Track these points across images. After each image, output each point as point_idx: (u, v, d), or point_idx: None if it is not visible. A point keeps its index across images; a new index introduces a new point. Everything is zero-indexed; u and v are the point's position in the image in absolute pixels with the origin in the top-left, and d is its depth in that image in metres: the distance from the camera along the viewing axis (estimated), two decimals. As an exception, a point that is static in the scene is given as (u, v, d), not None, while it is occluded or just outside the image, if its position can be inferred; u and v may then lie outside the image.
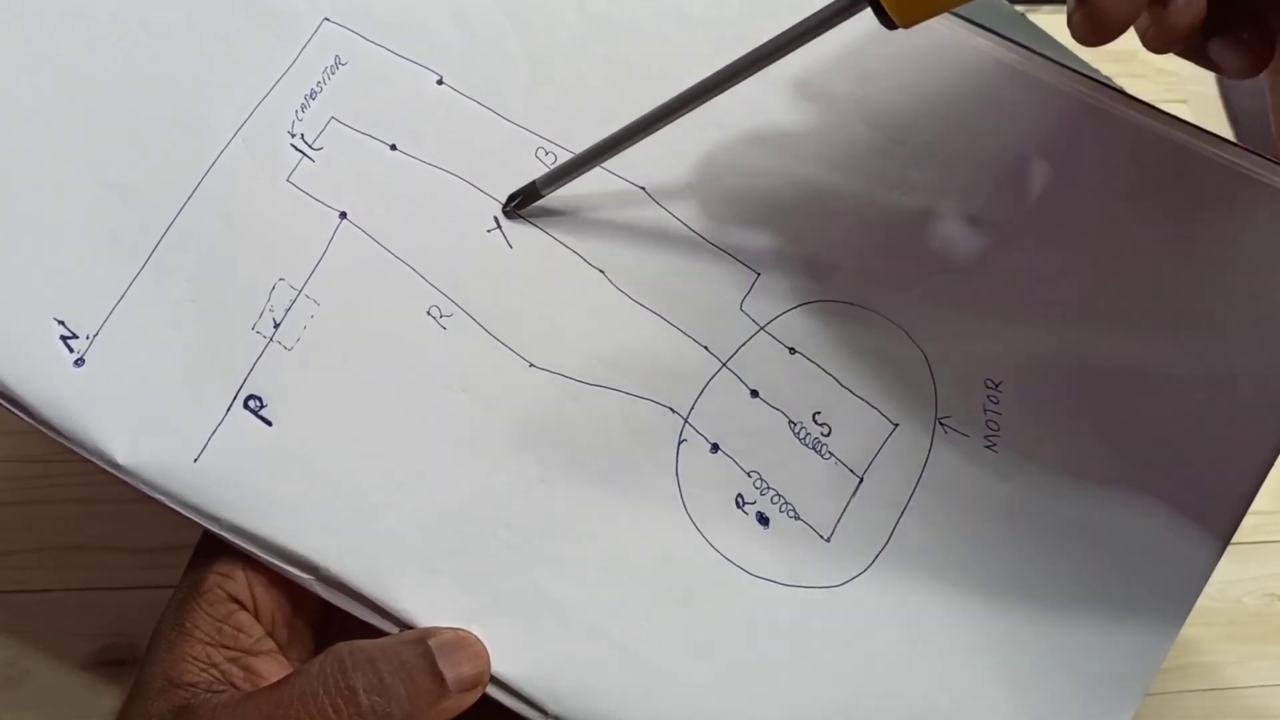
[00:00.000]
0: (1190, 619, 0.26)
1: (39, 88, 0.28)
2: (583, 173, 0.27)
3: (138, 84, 0.28)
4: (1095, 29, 0.24)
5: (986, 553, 0.27)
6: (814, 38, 0.24)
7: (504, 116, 0.29)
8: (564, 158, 0.29)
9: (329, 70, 0.29)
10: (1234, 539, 0.26)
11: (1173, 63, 0.40)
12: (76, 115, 0.27)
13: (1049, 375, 0.28)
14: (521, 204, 0.28)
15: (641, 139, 0.26)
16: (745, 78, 0.25)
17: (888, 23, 0.22)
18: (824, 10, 0.23)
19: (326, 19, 0.29)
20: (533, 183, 0.27)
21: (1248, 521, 0.27)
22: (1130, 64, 0.43)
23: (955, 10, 0.29)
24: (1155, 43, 0.25)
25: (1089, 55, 0.40)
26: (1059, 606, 0.27)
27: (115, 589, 0.35)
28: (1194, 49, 0.25)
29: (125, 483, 0.26)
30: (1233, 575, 0.36)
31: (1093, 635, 0.27)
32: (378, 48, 0.29)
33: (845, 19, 0.23)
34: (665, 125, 0.26)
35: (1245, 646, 0.35)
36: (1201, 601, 0.26)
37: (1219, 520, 0.27)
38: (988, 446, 0.27)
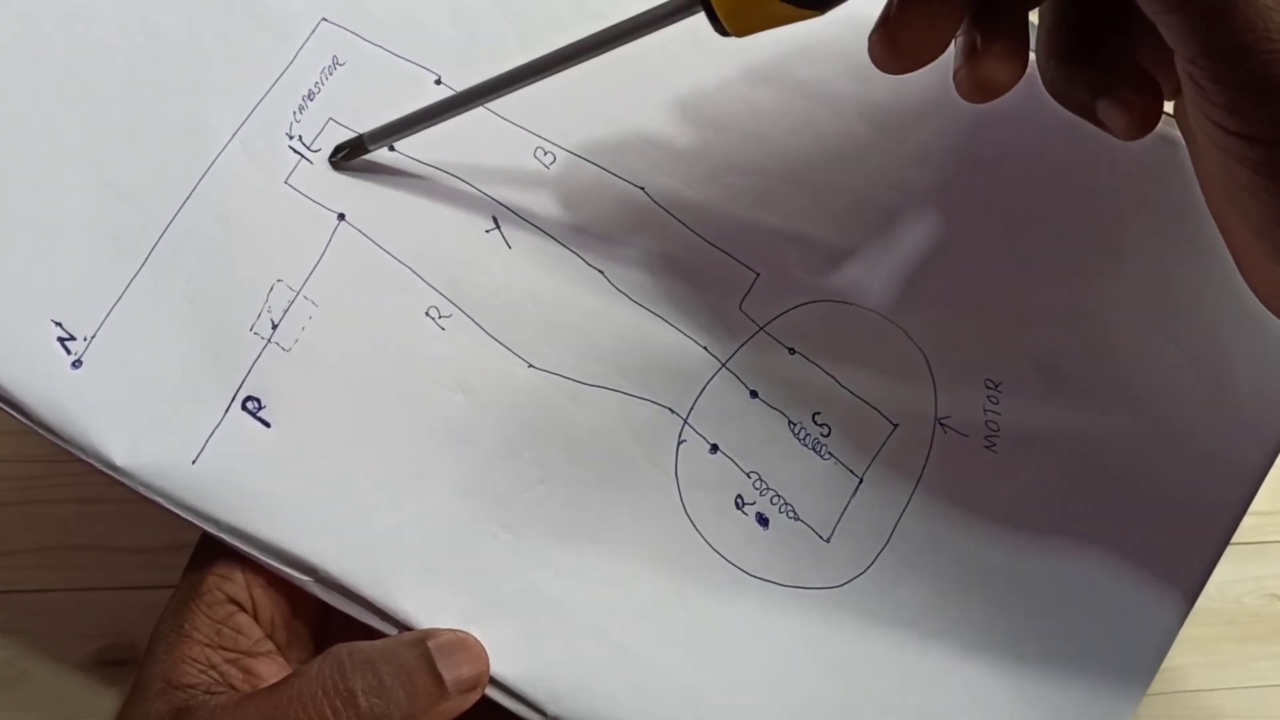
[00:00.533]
0: (1190, 619, 0.26)
1: (37, 87, 0.27)
2: (414, 132, 0.27)
3: (136, 84, 0.28)
4: (893, 57, 0.24)
5: (986, 553, 0.27)
6: (643, 35, 0.23)
7: (502, 116, 0.29)
8: (562, 157, 0.29)
9: (327, 71, 0.29)
10: (1234, 539, 0.26)
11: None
12: (75, 115, 0.27)
13: (1049, 375, 0.28)
14: (348, 156, 0.28)
15: (472, 108, 0.26)
16: (564, 68, 0.25)
17: (720, 30, 0.22)
18: (656, 10, 0.23)
19: (324, 19, 0.29)
20: (359, 136, 0.27)
21: (1247, 522, 0.27)
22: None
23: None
24: (967, 91, 0.24)
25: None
26: (1059, 606, 0.27)
27: (115, 589, 0.35)
28: (1082, 108, 0.24)
29: (124, 484, 0.26)
30: (1232, 575, 0.36)
31: (1093, 635, 0.27)
32: (376, 48, 0.29)
33: (677, 20, 0.23)
34: (496, 98, 0.26)
35: (1245, 646, 0.35)
36: (1201, 602, 0.26)
37: (1219, 519, 0.27)
38: (988, 447, 0.27)
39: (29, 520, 0.36)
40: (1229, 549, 0.27)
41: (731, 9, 0.22)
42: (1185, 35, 0.20)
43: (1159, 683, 0.26)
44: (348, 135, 0.28)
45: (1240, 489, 0.27)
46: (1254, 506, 0.27)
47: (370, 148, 0.27)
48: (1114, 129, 0.23)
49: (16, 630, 0.35)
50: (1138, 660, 0.27)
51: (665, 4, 0.23)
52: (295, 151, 0.28)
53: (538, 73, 0.25)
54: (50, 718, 0.34)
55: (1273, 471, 0.27)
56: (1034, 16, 0.25)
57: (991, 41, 0.23)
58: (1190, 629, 0.26)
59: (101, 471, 0.26)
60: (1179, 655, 0.34)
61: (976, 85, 0.24)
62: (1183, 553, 0.27)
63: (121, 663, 0.34)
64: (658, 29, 0.23)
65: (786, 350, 0.28)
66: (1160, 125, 0.28)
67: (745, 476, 0.27)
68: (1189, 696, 0.35)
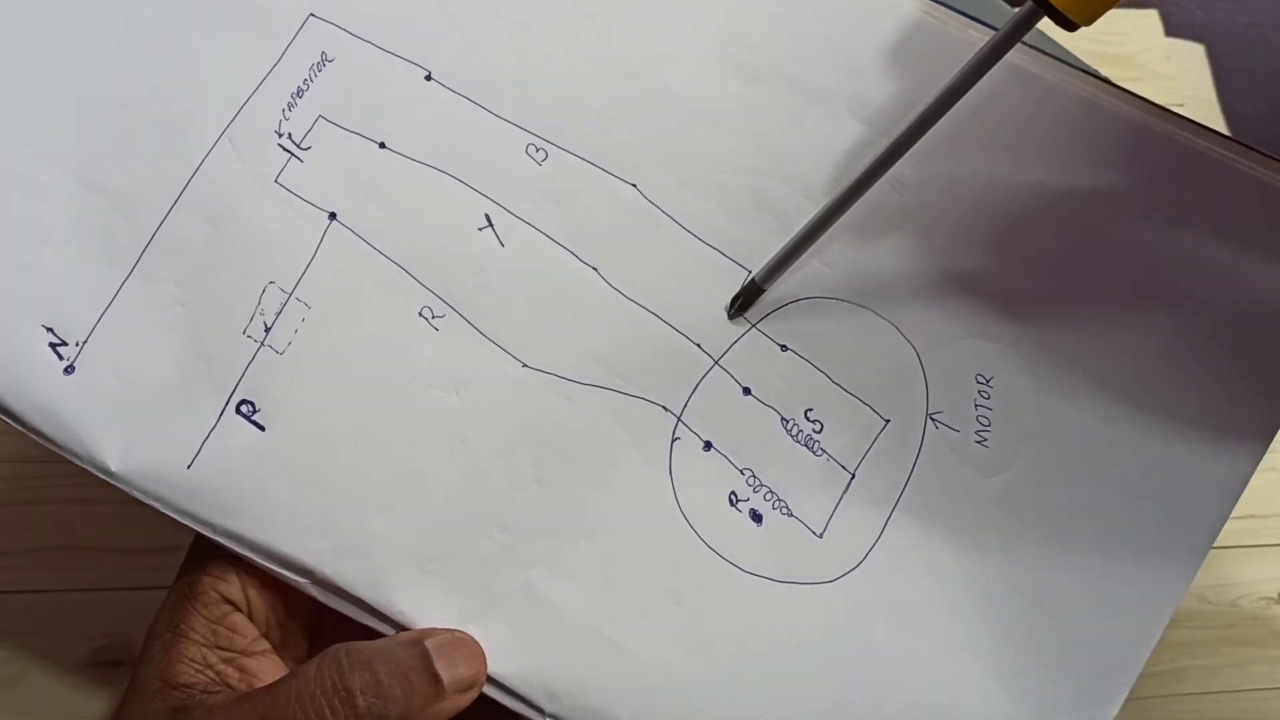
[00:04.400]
0: (1186, 622, 0.26)
1: (19, 89, 0.27)
2: (804, 251, 0.27)
3: (120, 84, 0.28)
4: None
5: (977, 547, 0.27)
6: (998, 59, 0.24)
7: (494, 113, 0.29)
8: (554, 154, 0.29)
9: (315, 67, 0.28)
10: (1231, 542, 0.27)
11: (1170, 66, 0.39)
12: (59, 117, 0.27)
13: (1040, 371, 0.28)
14: (745, 303, 0.28)
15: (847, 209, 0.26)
16: (937, 119, 0.25)
17: (1067, 24, 0.22)
18: (1003, 32, 0.23)
19: (312, 15, 0.29)
20: (751, 279, 0.27)
21: (1244, 525, 0.27)
22: (1128, 67, 0.43)
23: (952, 5, 0.29)
24: None
25: (1088, 58, 0.40)
26: (1048, 600, 0.27)
27: (111, 590, 0.35)
28: None
29: (119, 488, 0.26)
30: (1229, 579, 0.36)
31: (1081, 628, 0.27)
32: (365, 44, 0.29)
33: (1024, 33, 0.23)
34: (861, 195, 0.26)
35: (1242, 650, 0.35)
36: (1198, 605, 0.26)
37: (1207, 516, 0.27)
38: (979, 442, 0.28)
39: (25, 521, 0.36)
40: (1225, 552, 0.27)
41: (1073, 5, 0.22)
42: None
43: (1156, 686, 0.26)
44: (338, 133, 0.28)
45: (1230, 484, 0.27)
46: (1250, 510, 0.27)
47: (765, 287, 0.27)
48: None
49: (12, 631, 0.35)
50: (1127, 654, 0.27)
51: (1010, 26, 0.23)
52: (285, 150, 0.28)
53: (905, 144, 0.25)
54: (46, 718, 0.34)
55: (1270, 474, 0.27)
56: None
57: None
58: (1187, 632, 0.26)
59: (93, 473, 0.26)
60: (1175, 658, 0.34)
61: None
62: (1171, 547, 0.27)
63: (117, 663, 0.34)
64: (1010, 48, 0.24)
65: (779, 347, 0.28)
66: (1161, 125, 0.28)
67: (739, 473, 0.27)
68: (1185, 700, 0.35)
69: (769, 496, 0.27)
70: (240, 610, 0.26)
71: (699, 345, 0.28)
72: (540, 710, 0.26)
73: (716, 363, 0.28)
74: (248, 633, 0.26)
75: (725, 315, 0.28)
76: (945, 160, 0.29)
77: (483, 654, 0.26)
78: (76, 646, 0.34)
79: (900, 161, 0.28)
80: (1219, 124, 0.45)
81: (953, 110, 0.29)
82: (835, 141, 0.29)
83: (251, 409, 0.26)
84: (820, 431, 0.28)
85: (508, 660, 0.26)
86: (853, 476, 0.28)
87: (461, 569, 0.26)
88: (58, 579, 0.35)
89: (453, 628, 0.26)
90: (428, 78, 0.29)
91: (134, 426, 0.26)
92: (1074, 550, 0.27)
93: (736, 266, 0.28)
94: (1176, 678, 0.35)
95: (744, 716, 0.26)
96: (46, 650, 0.34)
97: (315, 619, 0.28)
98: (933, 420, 0.28)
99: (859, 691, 0.27)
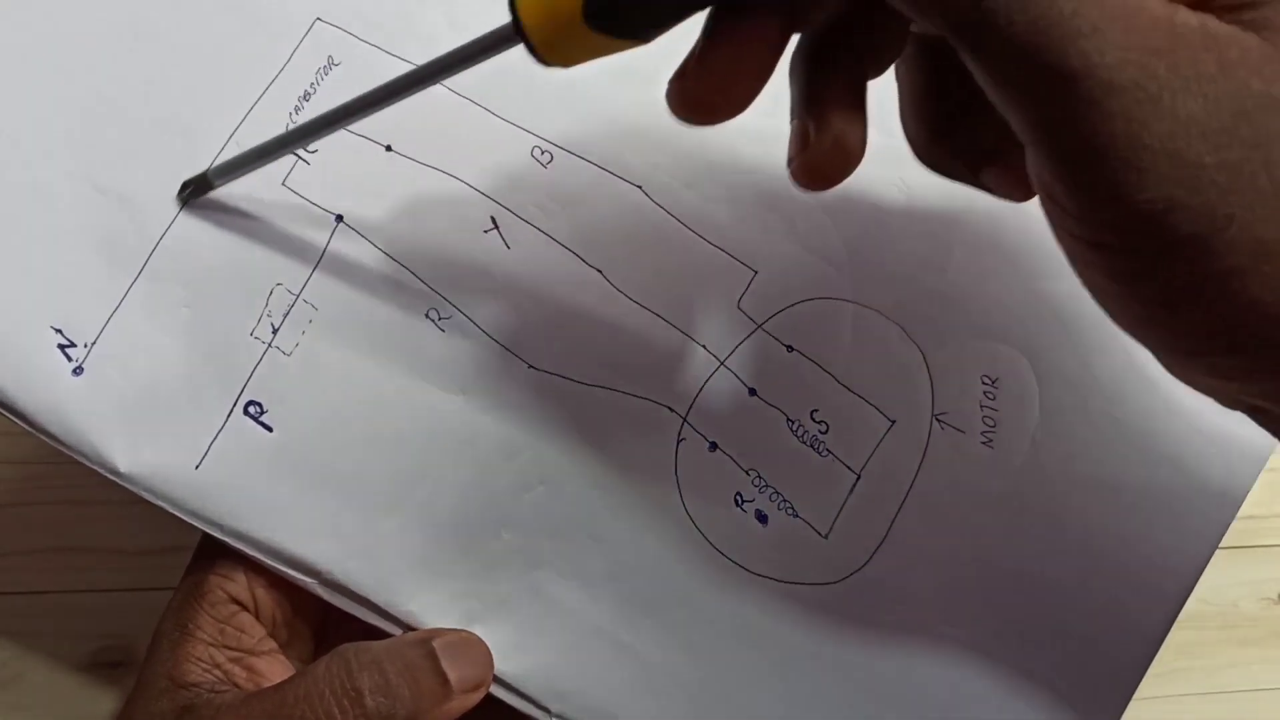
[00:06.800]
0: (1187, 623, 0.26)
1: (28, 93, 0.27)
2: (262, 165, 0.26)
3: (129, 87, 0.28)
4: (691, 109, 0.20)
5: (982, 548, 0.27)
6: (467, 67, 0.22)
7: (500, 116, 0.29)
8: (559, 156, 0.29)
9: (322, 71, 0.29)
10: (1231, 542, 0.27)
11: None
12: (67, 120, 0.27)
13: (1045, 371, 0.28)
14: (194, 193, 0.27)
15: (319, 137, 0.25)
16: (400, 99, 0.24)
17: (541, 61, 0.21)
18: (475, 43, 0.22)
19: (319, 19, 0.29)
20: (204, 173, 0.27)
21: (1244, 525, 0.27)
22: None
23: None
24: (800, 176, 0.21)
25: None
26: (1053, 602, 0.27)
27: (110, 591, 0.35)
28: (963, 176, 0.21)
29: (127, 488, 0.26)
30: (1229, 579, 0.36)
31: (1087, 630, 0.27)
32: (371, 48, 0.29)
33: (498, 53, 0.21)
34: (335, 130, 0.25)
35: (1242, 650, 0.36)
36: (1198, 605, 0.26)
37: (1212, 516, 0.27)
38: (984, 443, 0.28)
39: (24, 522, 0.35)
40: (1225, 552, 0.27)
41: (547, 42, 0.20)
42: (1027, 134, 0.17)
43: (1155, 687, 0.26)
44: (345, 136, 0.28)
45: (1235, 486, 0.27)
46: (1250, 510, 0.27)
47: (216, 183, 0.26)
48: (1006, 195, 0.21)
49: (11, 632, 0.34)
50: (1130, 655, 0.27)
51: (483, 37, 0.21)
52: (292, 153, 0.28)
53: (361, 111, 0.24)
54: (46, 719, 0.34)
55: (1270, 474, 0.27)
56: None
57: (826, 115, 0.20)
58: (1186, 633, 0.26)
59: (101, 474, 0.26)
60: (1175, 659, 0.35)
61: (811, 171, 0.21)
62: (1176, 548, 0.27)
63: (117, 664, 0.34)
64: (479, 61, 0.22)
65: (785, 348, 0.28)
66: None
67: (744, 474, 0.28)
68: (1184, 700, 0.35)
69: (774, 497, 0.27)
70: (247, 610, 0.26)
71: (704, 346, 0.28)
72: (546, 710, 0.26)
73: (722, 364, 0.28)
74: (255, 632, 0.26)
75: (731, 316, 0.28)
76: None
77: (490, 654, 0.26)
78: (76, 647, 0.34)
79: (904, 162, 0.29)
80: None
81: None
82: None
83: (259, 410, 0.26)
84: (826, 432, 0.28)
85: (514, 660, 0.26)
86: (858, 477, 0.28)
87: (468, 569, 0.26)
88: (58, 579, 0.35)
89: (460, 628, 0.26)
90: (433, 81, 0.29)
91: (142, 427, 0.26)
92: (1079, 552, 0.27)
93: (742, 267, 0.28)
94: (1176, 678, 0.35)
95: (749, 717, 0.27)
96: (46, 650, 0.34)
97: (321, 618, 0.28)
98: (938, 421, 0.28)
99: (864, 692, 0.27)
